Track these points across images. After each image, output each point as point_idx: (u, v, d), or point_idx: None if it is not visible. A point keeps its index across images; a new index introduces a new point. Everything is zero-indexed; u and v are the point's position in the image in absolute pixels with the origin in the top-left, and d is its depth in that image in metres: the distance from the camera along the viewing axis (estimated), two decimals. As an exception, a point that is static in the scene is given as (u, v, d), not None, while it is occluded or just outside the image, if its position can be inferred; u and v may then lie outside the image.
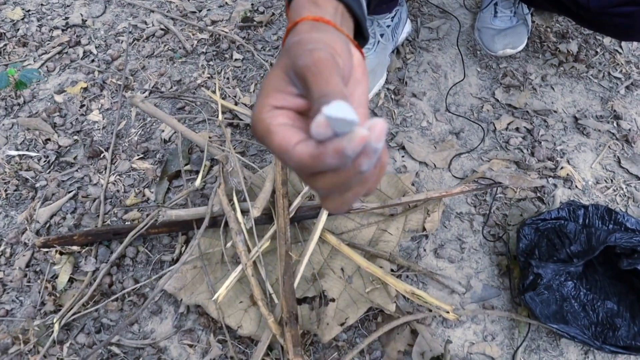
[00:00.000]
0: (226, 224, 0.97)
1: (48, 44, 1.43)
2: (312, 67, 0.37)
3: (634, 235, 0.87)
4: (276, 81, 0.40)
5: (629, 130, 1.23)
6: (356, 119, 0.32)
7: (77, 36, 1.45)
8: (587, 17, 1.05)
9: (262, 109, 0.38)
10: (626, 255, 0.88)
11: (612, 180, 1.16)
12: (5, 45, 1.42)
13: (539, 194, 1.12)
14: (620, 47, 1.41)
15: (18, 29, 1.46)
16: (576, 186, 1.14)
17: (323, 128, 0.33)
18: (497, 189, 1.11)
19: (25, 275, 1.00)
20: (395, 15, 1.30)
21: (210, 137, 1.16)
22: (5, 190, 1.12)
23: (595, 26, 1.11)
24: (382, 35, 1.28)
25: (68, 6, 1.54)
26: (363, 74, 0.40)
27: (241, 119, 1.21)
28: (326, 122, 0.32)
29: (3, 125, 1.24)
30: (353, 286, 0.95)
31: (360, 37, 0.53)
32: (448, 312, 0.89)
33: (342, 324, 0.90)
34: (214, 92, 1.28)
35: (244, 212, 0.98)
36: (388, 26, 1.28)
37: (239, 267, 0.92)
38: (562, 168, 1.16)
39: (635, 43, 1.42)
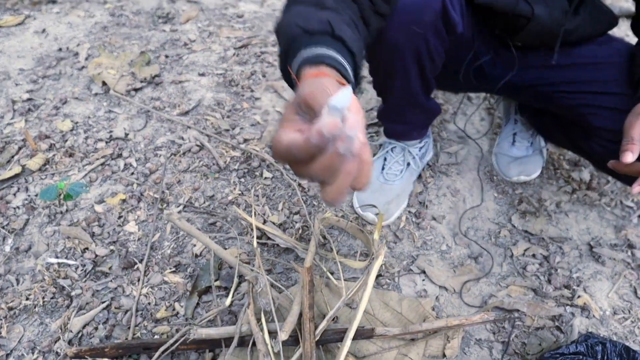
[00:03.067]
0: (254, 344, 1.01)
1: (92, 156, 1.54)
2: (310, 94, 0.53)
3: (652, 377, 0.89)
4: (287, 114, 0.55)
5: (643, 260, 1.28)
6: (345, 105, 0.47)
7: (119, 149, 1.56)
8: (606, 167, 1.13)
9: (277, 133, 0.53)
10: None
11: (629, 311, 1.18)
12: (54, 155, 1.53)
13: (557, 323, 1.15)
14: (631, 177, 1.48)
15: (66, 140, 1.59)
16: (594, 316, 1.16)
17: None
18: (517, 316, 1.14)
19: (56, 387, 1.04)
20: (423, 146, 1.40)
21: (240, 255, 1.22)
22: (43, 298, 1.18)
23: (614, 174, 1.18)
24: (408, 165, 1.37)
25: (112, 119, 1.68)
26: (356, 107, 0.51)
27: (270, 238, 1.27)
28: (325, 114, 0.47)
29: (46, 232, 1.32)
30: (374, 414, 0.97)
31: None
32: None
33: None
34: (244, 210, 1.36)
35: (272, 332, 1.02)
36: (416, 155, 1.38)
37: (265, 390, 0.94)
38: (579, 297, 1.19)
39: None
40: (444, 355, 1.07)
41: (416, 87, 1.16)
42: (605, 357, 0.95)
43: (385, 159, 1.39)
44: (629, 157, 0.89)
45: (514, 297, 1.19)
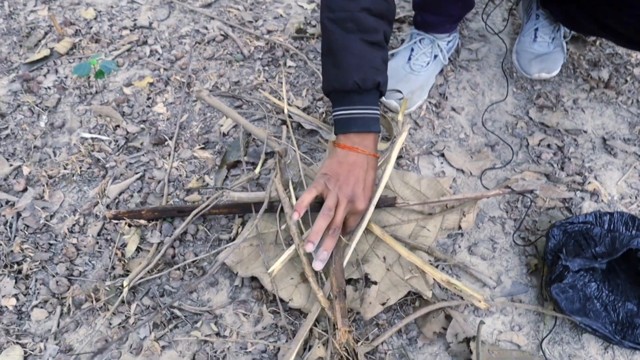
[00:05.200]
0: (282, 209, 1.08)
1: (118, 42, 1.56)
2: (324, 193, 1.00)
3: (656, 241, 0.96)
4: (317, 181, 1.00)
5: (655, 153, 1.32)
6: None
7: (144, 36, 1.58)
8: (634, 39, 1.15)
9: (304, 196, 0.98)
10: (647, 260, 0.96)
11: (636, 197, 1.24)
12: (80, 40, 1.55)
13: (567, 205, 1.21)
14: (649, 77, 1.51)
15: (91, 27, 1.60)
16: (602, 200, 1.22)
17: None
18: (530, 197, 1.20)
19: (97, 243, 1.11)
20: (451, 40, 1.42)
21: (268, 131, 1.26)
22: (80, 168, 1.24)
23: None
24: (435, 57, 1.40)
25: (135, 9, 1.68)
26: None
27: (294, 120, 1.32)
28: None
29: (78, 110, 1.37)
30: (394, 273, 1.05)
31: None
32: (480, 301, 0.98)
33: (383, 304, 0.99)
34: (270, 93, 1.39)
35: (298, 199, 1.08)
36: (444, 48, 1.40)
37: (293, 247, 1.01)
38: (589, 183, 1.25)
39: (663, 75, 1.51)
40: (460, 228, 1.14)
41: None
42: (612, 226, 1.02)
43: (412, 50, 1.41)
44: None
45: (528, 181, 1.24)
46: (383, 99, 1.36)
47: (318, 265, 0.94)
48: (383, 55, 1.02)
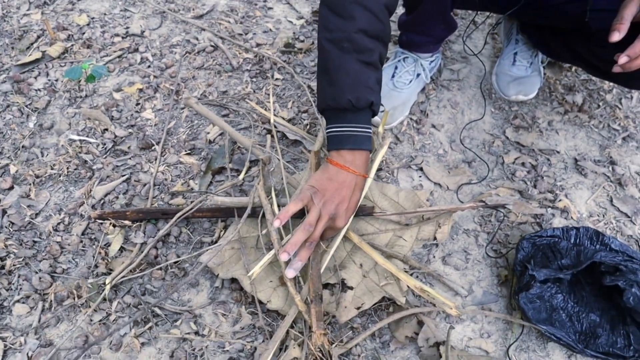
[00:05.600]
0: (263, 215, 1.11)
1: (109, 48, 1.60)
2: (309, 206, 1.03)
3: (617, 255, 1.01)
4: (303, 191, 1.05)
5: (622, 175, 1.38)
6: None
7: (135, 44, 1.62)
8: (603, 69, 1.21)
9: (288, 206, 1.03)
10: (609, 273, 1.01)
11: (604, 216, 1.30)
12: (72, 45, 1.59)
13: (538, 220, 1.26)
14: (620, 103, 1.58)
15: (84, 33, 1.64)
16: (572, 217, 1.28)
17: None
18: (503, 212, 1.25)
19: (81, 241, 1.14)
20: (434, 60, 1.48)
21: (252, 140, 1.30)
22: (67, 168, 1.27)
23: (608, 76, 1.28)
24: (418, 75, 1.46)
25: (128, 17, 1.72)
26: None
27: (279, 130, 1.36)
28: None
29: (67, 113, 1.39)
30: (370, 279, 1.08)
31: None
32: (451, 308, 1.02)
33: (358, 308, 1.03)
34: (257, 104, 1.44)
35: (279, 206, 1.12)
36: (427, 67, 1.46)
37: (272, 251, 1.05)
38: (560, 200, 1.30)
39: (633, 101, 1.58)
40: (435, 239, 1.18)
41: (448, 2, 1.24)
42: (578, 240, 1.07)
43: (396, 67, 1.47)
44: (615, 37, 0.97)
45: (502, 196, 1.30)
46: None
47: (290, 273, 0.98)
48: (377, 75, 1.06)
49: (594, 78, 1.64)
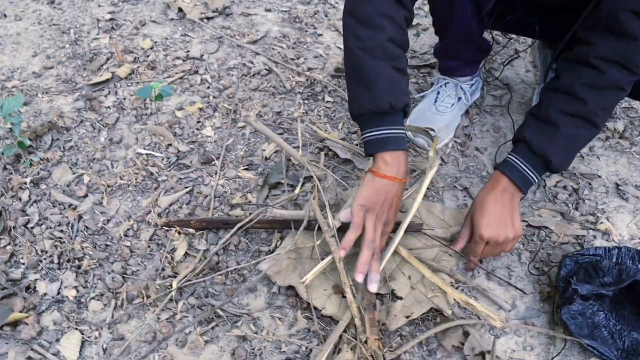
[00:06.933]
0: (318, 228, 1.19)
1: (172, 70, 1.72)
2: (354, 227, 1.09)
3: (660, 275, 1.05)
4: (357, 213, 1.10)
5: (664, 200, 1.42)
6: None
7: (195, 66, 1.74)
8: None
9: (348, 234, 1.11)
10: (652, 292, 1.06)
11: (645, 239, 1.34)
12: (138, 67, 1.71)
13: (579, 241, 1.30)
14: (661, 131, 1.62)
15: (148, 55, 1.77)
16: (613, 239, 1.32)
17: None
18: (545, 232, 1.30)
19: (149, 246, 1.23)
20: (474, 83, 1.55)
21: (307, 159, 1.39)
22: (135, 179, 1.37)
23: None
24: (459, 99, 1.53)
25: (188, 42, 1.85)
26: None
27: (331, 149, 1.44)
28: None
29: (134, 128, 1.51)
30: (418, 291, 1.14)
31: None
32: (496, 320, 1.07)
33: (407, 317, 1.09)
34: (307, 126, 1.53)
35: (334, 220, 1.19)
36: (467, 91, 1.54)
37: (329, 257, 1.12)
38: (601, 223, 1.34)
39: (674, 129, 1.62)
40: (479, 255, 1.24)
41: (472, 26, 1.32)
42: (620, 259, 1.11)
43: (438, 93, 1.55)
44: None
45: (544, 217, 1.35)
46: (411, 136, 1.48)
47: (373, 288, 1.06)
48: (407, 80, 1.14)
49: (634, 105, 1.69)
